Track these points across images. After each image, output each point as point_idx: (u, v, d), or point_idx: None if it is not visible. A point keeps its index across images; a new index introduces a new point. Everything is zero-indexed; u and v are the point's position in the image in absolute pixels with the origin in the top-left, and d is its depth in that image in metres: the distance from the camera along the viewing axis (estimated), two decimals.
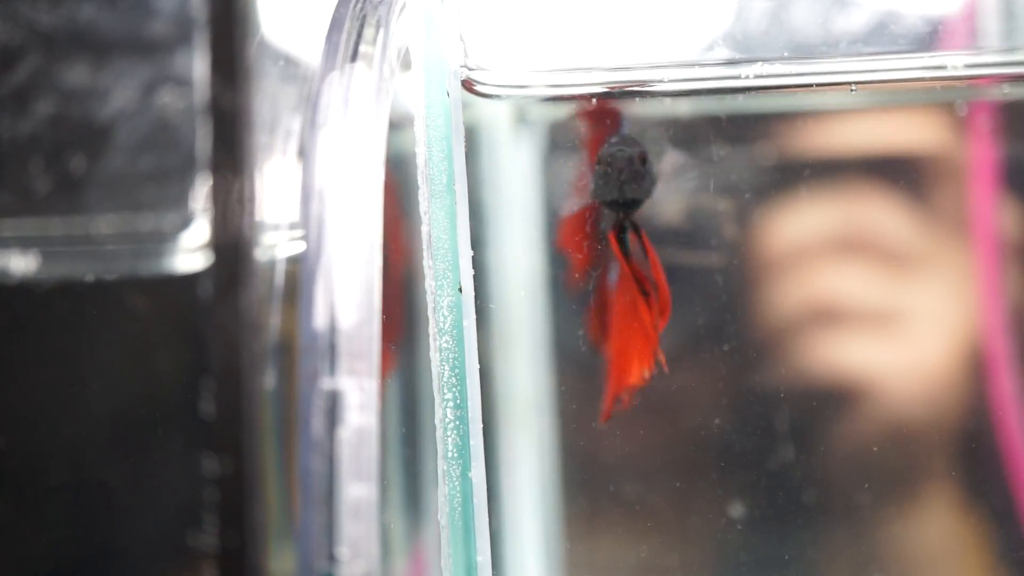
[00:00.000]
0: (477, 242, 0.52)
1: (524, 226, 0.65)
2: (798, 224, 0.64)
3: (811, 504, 0.64)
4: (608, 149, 0.55)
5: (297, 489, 0.41)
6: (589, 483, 0.66)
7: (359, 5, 0.50)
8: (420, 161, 0.52)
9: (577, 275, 0.62)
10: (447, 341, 0.51)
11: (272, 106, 0.55)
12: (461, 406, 0.50)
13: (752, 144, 0.63)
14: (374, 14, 0.49)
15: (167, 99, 0.66)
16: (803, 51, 0.57)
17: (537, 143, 0.65)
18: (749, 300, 0.64)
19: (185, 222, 0.66)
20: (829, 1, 0.57)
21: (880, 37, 0.57)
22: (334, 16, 0.49)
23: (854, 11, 0.57)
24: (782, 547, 0.65)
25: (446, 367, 0.51)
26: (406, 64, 0.52)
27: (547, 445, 0.66)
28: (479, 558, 0.50)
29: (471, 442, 0.50)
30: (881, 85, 0.58)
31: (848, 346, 0.64)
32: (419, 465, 0.68)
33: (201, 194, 0.65)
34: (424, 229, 0.51)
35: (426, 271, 0.51)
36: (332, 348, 0.42)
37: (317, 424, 0.41)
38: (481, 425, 0.51)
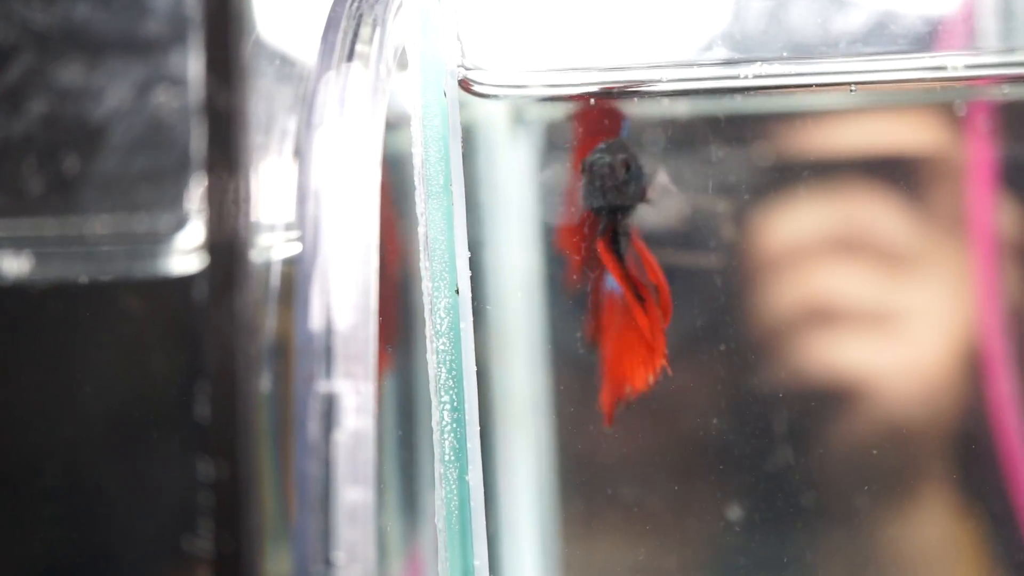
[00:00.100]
0: (474, 243, 0.52)
1: (521, 227, 0.65)
2: (796, 224, 0.64)
3: (808, 505, 0.64)
4: (591, 157, 0.55)
5: (293, 493, 0.41)
6: (586, 485, 0.66)
7: (355, 4, 0.50)
8: (417, 162, 0.51)
9: (574, 277, 0.61)
10: (444, 343, 0.50)
11: (268, 106, 0.55)
12: (458, 409, 0.50)
13: (750, 144, 0.63)
14: (370, 13, 0.49)
15: (161, 99, 0.65)
16: (802, 51, 0.57)
17: (534, 143, 0.65)
18: (747, 300, 0.64)
19: (180, 223, 0.66)
20: (828, 1, 0.57)
21: (879, 37, 0.56)
22: (330, 15, 0.49)
23: (853, 11, 0.57)
24: (779, 548, 0.64)
25: (443, 369, 0.50)
26: (402, 64, 0.52)
27: (544, 447, 0.66)
28: (476, 562, 0.50)
29: (468, 445, 0.50)
30: (880, 85, 0.58)
31: (845, 346, 0.64)
32: (415, 467, 0.67)
33: (196, 195, 0.65)
34: (421, 230, 0.51)
35: (423, 273, 0.51)
36: (328, 350, 0.42)
37: (313, 427, 0.41)
38: (478, 428, 0.50)
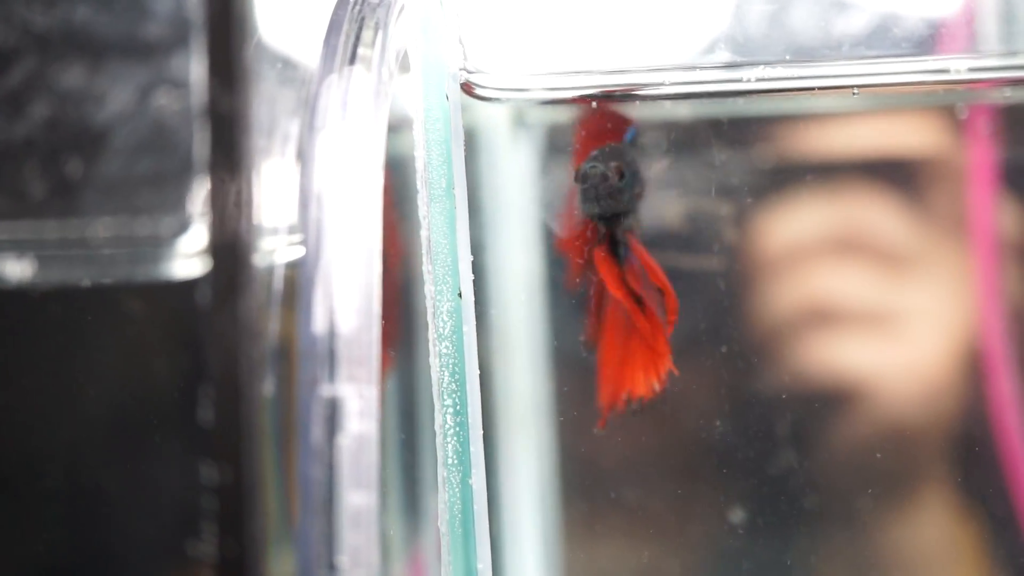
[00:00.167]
0: (476, 246, 0.52)
1: (523, 230, 0.65)
2: (797, 225, 0.64)
3: (809, 506, 0.64)
4: (585, 166, 0.55)
5: (296, 497, 0.41)
6: (588, 489, 0.66)
7: (357, 8, 0.50)
8: (419, 165, 0.51)
9: (576, 280, 0.61)
10: (447, 347, 0.50)
11: (270, 109, 0.55)
12: (461, 412, 0.50)
13: (751, 146, 0.63)
14: (372, 16, 0.49)
15: (164, 102, 0.65)
16: (804, 54, 0.57)
17: (535, 146, 0.65)
18: (748, 302, 0.64)
19: (183, 227, 0.66)
20: (829, 5, 0.57)
21: (881, 40, 0.56)
22: (332, 18, 0.49)
23: (855, 14, 0.57)
24: (779, 550, 0.64)
25: (446, 373, 0.50)
26: (404, 66, 0.52)
27: (547, 451, 0.66)
28: (479, 565, 0.50)
29: (471, 448, 0.50)
30: (882, 88, 0.58)
31: (846, 348, 0.64)
32: (418, 471, 0.67)
33: (199, 199, 0.65)
34: (423, 234, 0.51)
35: (426, 276, 0.51)
36: (332, 354, 0.42)
37: (316, 431, 0.41)
38: (481, 431, 0.50)
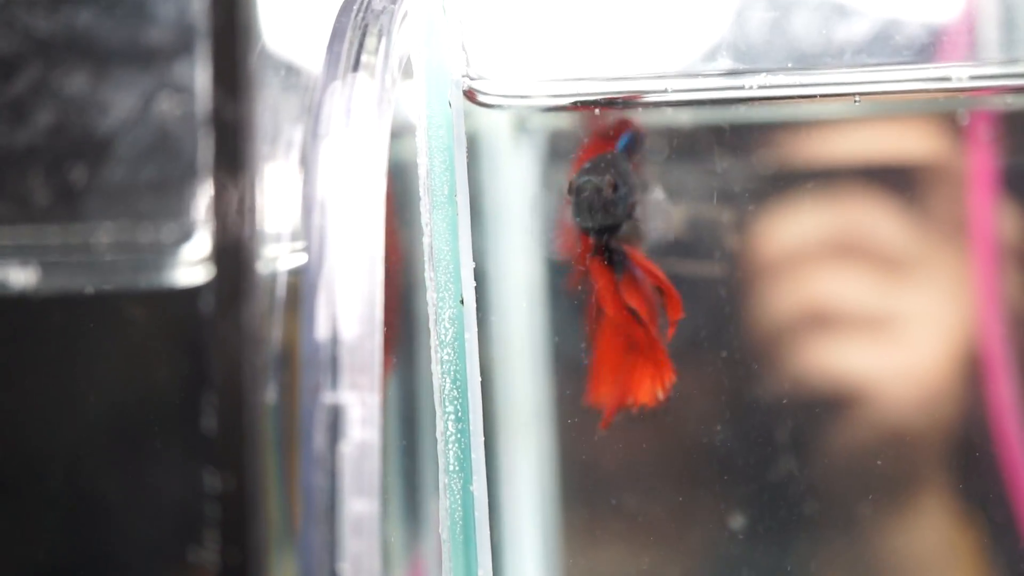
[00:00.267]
0: (477, 252, 0.52)
1: (524, 235, 0.65)
2: (797, 230, 0.64)
3: (808, 511, 0.64)
4: (578, 180, 0.55)
5: (298, 504, 0.41)
6: (589, 495, 0.66)
7: (361, 15, 0.50)
8: (422, 172, 0.51)
9: (576, 284, 0.61)
10: (448, 353, 0.50)
11: (273, 116, 0.55)
12: (462, 419, 0.50)
13: (752, 152, 0.63)
14: (376, 24, 0.49)
15: (168, 109, 0.65)
16: (806, 62, 0.57)
17: (537, 152, 0.65)
18: (747, 306, 0.64)
19: (186, 234, 0.66)
20: (831, 12, 0.57)
21: (883, 48, 0.56)
22: (335, 26, 0.49)
23: (856, 22, 0.57)
24: (779, 555, 0.64)
25: (447, 380, 0.50)
26: (408, 72, 0.52)
27: (548, 457, 0.66)
28: (480, 572, 0.50)
29: (472, 455, 0.50)
30: (884, 96, 0.58)
31: (845, 352, 0.64)
32: (419, 477, 0.67)
33: (202, 206, 0.65)
34: (426, 240, 0.51)
35: (427, 283, 0.51)
36: (334, 362, 0.42)
37: (319, 439, 0.41)
38: (482, 438, 0.50)
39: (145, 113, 0.66)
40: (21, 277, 0.65)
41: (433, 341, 0.51)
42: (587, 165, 0.56)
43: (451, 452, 0.50)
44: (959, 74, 0.56)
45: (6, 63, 0.66)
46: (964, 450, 0.65)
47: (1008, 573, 0.64)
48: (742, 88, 0.56)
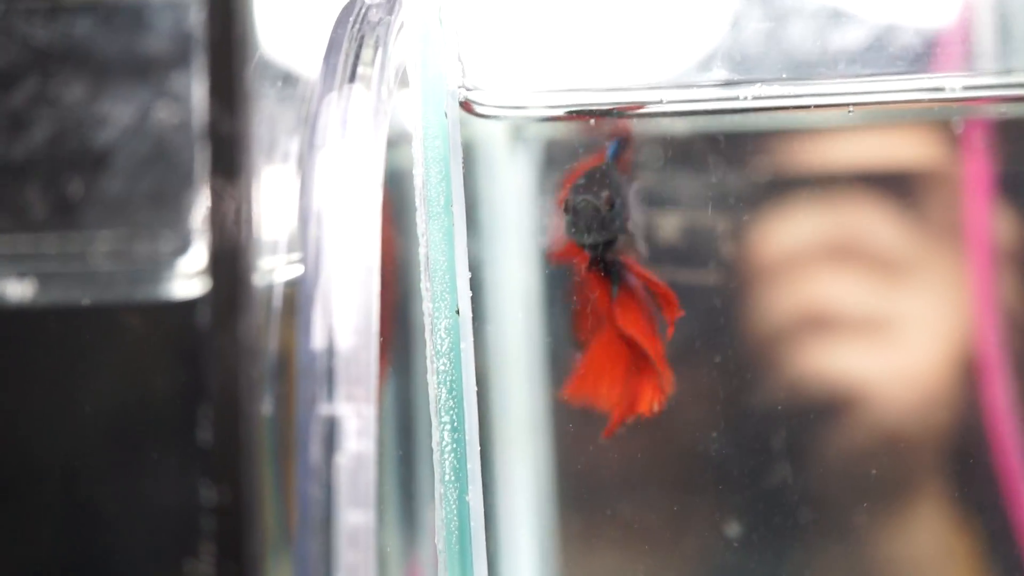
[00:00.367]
0: (473, 261, 0.52)
1: (520, 244, 0.65)
2: (794, 233, 0.64)
3: (803, 516, 0.64)
4: (574, 199, 0.55)
5: (294, 515, 0.41)
6: (585, 504, 0.66)
7: (357, 26, 0.50)
8: (418, 182, 0.51)
9: (574, 295, 0.62)
10: (444, 363, 0.50)
11: (270, 127, 0.55)
12: (458, 429, 0.50)
13: (748, 158, 0.63)
14: (372, 35, 0.49)
15: (164, 122, 0.65)
16: (800, 72, 0.57)
17: (534, 160, 0.65)
18: (744, 310, 0.64)
19: (183, 246, 0.66)
20: (826, 23, 0.57)
21: (877, 58, 0.57)
22: (332, 37, 0.49)
23: (850, 32, 0.57)
24: (775, 561, 0.64)
25: (443, 390, 0.50)
26: (404, 81, 0.52)
27: (544, 466, 0.66)
28: None
29: (468, 465, 0.50)
30: (878, 106, 0.58)
31: (843, 355, 0.64)
32: (415, 487, 0.67)
33: (199, 218, 0.65)
34: (422, 251, 0.51)
35: (424, 293, 0.51)
36: (330, 373, 0.42)
37: (315, 450, 0.41)
38: (478, 448, 0.50)
39: (142, 124, 0.66)
40: (18, 288, 0.65)
41: (429, 351, 0.51)
42: (581, 181, 0.56)
43: (447, 462, 0.50)
44: (952, 84, 0.56)
45: (3, 73, 0.66)
46: (961, 454, 0.65)
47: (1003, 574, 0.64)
48: (737, 99, 0.56)
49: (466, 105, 0.55)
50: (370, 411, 0.42)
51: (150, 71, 0.66)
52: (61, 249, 0.66)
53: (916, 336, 0.64)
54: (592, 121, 0.58)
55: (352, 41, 0.49)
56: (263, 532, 0.40)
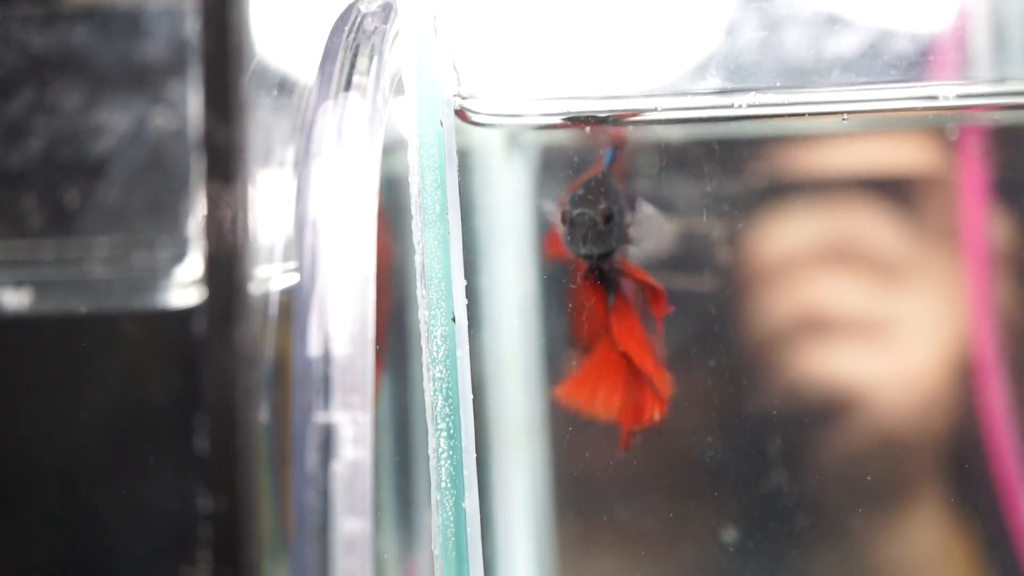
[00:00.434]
0: (469, 268, 0.52)
1: (516, 251, 0.65)
2: (791, 236, 0.64)
3: (802, 520, 0.64)
4: (572, 211, 0.55)
5: (291, 523, 0.41)
6: (582, 510, 0.66)
7: (352, 35, 0.50)
8: (413, 190, 0.52)
9: (572, 301, 0.62)
10: (441, 371, 0.51)
11: (266, 136, 0.55)
12: (454, 436, 0.50)
13: (744, 163, 0.63)
14: (367, 44, 0.50)
15: (160, 132, 0.65)
16: (795, 80, 0.57)
17: (529, 166, 0.65)
18: (741, 313, 0.64)
19: (179, 255, 0.66)
20: (820, 31, 0.57)
21: (871, 66, 0.57)
22: (327, 46, 0.49)
23: (845, 41, 0.57)
24: (771, 564, 0.65)
25: (439, 397, 0.51)
26: (399, 89, 0.52)
27: (540, 473, 0.66)
28: None
29: (464, 472, 0.50)
30: (873, 114, 0.58)
31: (840, 358, 0.64)
32: (412, 493, 0.68)
33: (195, 228, 0.65)
34: (418, 258, 0.51)
35: (419, 301, 0.51)
36: (326, 381, 0.42)
37: (311, 458, 0.42)
38: (475, 455, 0.51)
39: (139, 132, 0.66)
40: (15, 297, 0.65)
41: (425, 359, 0.51)
42: (579, 192, 0.56)
43: (443, 469, 0.50)
44: (946, 93, 0.56)
45: (3, 84, 0.66)
46: (958, 458, 0.65)
47: None
48: (731, 107, 0.56)
49: (461, 113, 0.55)
50: (366, 419, 0.42)
51: (146, 79, 0.66)
52: (58, 257, 0.66)
53: (913, 340, 0.64)
54: (587, 129, 0.58)
55: (348, 50, 0.49)
56: (259, 540, 0.40)
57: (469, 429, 0.51)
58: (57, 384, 0.68)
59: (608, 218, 0.55)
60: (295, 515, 0.41)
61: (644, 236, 0.59)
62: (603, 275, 0.56)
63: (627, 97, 0.57)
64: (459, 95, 0.55)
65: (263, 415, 0.47)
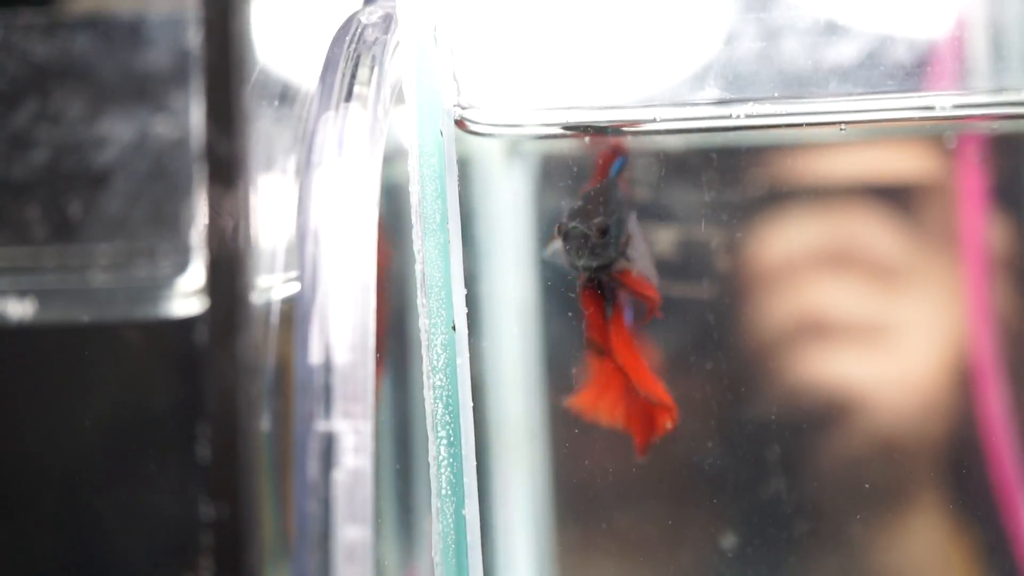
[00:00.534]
0: (469, 276, 0.52)
1: (516, 259, 0.65)
2: (791, 242, 0.64)
3: (801, 523, 0.64)
4: (567, 223, 0.55)
5: (292, 531, 0.42)
6: (582, 517, 0.66)
7: (353, 45, 0.50)
8: (414, 200, 0.52)
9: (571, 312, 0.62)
10: (441, 379, 0.51)
11: (267, 146, 0.55)
12: (455, 443, 0.51)
13: (744, 170, 0.63)
14: (368, 54, 0.50)
15: (163, 140, 0.66)
16: (793, 89, 0.57)
17: (529, 175, 0.65)
18: (740, 318, 0.65)
19: (182, 265, 0.66)
20: (818, 41, 0.58)
21: (869, 76, 0.57)
22: (328, 56, 0.50)
23: (843, 50, 0.57)
24: (770, 569, 0.65)
25: (440, 405, 0.51)
26: (400, 98, 0.52)
27: (540, 479, 0.66)
28: None
29: (464, 479, 0.50)
30: (871, 123, 0.58)
31: (839, 361, 0.64)
32: (412, 500, 0.68)
33: (197, 237, 0.65)
34: (418, 267, 0.52)
35: (420, 309, 0.51)
36: (327, 390, 0.42)
37: (312, 466, 0.42)
38: (475, 462, 0.51)
39: (141, 142, 0.66)
40: (19, 306, 0.65)
41: (425, 367, 0.51)
42: (578, 204, 0.56)
43: (444, 476, 0.50)
44: (943, 103, 0.57)
45: (2, 90, 0.67)
46: (956, 462, 0.65)
47: None
48: (730, 117, 0.56)
49: (461, 123, 0.55)
50: (367, 427, 0.42)
51: (149, 88, 0.66)
52: (60, 266, 0.66)
53: (912, 344, 0.64)
54: (587, 139, 0.58)
55: (348, 60, 0.49)
56: (261, 547, 0.40)
57: (469, 436, 0.51)
58: (60, 392, 0.68)
59: (604, 231, 0.54)
60: (296, 523, 0.41)
61: (632, 255, 0.59)
62: (602, 286, 0.56)
63: (626, 107, 0.57)
64: (459, 105, 0.55)
65: (265, 423, 0.47)
